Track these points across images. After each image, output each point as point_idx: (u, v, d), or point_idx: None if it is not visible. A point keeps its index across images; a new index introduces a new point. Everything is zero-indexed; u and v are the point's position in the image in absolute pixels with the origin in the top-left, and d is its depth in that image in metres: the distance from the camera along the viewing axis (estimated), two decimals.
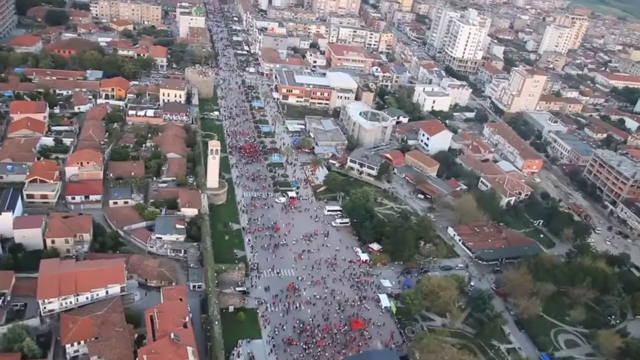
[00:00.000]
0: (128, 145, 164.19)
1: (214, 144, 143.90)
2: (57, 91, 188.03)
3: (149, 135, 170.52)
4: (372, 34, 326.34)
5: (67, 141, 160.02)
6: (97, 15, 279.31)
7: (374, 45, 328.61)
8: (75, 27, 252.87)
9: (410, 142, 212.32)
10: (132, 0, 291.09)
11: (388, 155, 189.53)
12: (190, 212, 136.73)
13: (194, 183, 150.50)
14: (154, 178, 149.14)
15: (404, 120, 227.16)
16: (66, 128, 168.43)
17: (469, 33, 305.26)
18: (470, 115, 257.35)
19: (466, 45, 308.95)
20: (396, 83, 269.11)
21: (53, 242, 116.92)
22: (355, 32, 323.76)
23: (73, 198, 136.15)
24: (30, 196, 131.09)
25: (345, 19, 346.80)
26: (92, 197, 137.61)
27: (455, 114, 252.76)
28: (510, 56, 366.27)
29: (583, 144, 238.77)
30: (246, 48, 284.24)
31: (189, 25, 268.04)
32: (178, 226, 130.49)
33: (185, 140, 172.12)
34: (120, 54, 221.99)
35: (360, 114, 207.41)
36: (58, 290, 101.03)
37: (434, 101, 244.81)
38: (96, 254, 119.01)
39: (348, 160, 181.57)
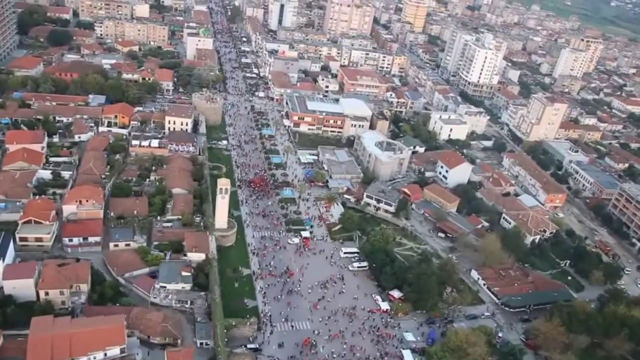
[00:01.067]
0: (131, 179, 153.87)
1: (223, 183, 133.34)
2: (57, 118, 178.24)
3: (153, 167, 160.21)
4: (384, 57, 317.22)
5: (66, 174, 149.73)
6: (101, 35, 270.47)
7: (387, 68, 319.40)
8: (78, 47, 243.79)
9: (427, 174, 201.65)
10: (138, 20, 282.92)
11: (406, 190, 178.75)
12: (197, 257, 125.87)
13: (201, 223, 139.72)
14: (158, 217, 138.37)
15: (420, 150, 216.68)
16: (65, 159, 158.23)
17: (485, 57, 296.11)
18: (488, 144, 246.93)
19: (482, 69, 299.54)
20: (411, 109, 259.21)
21: (47, 293, 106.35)
22: (367, 54, 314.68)
23: (70, 240, 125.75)
24: (23, 239, 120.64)
25: (357, 40, 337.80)
26: (91, 239, 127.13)
27: (472, 142, 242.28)
28: (525, 80, 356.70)
29: (606, 175, 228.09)
30: (255, 71, 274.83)
31: (197, 46, 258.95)
32: (184, 273, 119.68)
33: (192, 174, 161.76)
34: (125, 78, 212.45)
35: (375, 144, 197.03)
36: (50, 355, 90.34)
37: (450, 130, 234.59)
38: (94, 307, 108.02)
39: (364, 195, 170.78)
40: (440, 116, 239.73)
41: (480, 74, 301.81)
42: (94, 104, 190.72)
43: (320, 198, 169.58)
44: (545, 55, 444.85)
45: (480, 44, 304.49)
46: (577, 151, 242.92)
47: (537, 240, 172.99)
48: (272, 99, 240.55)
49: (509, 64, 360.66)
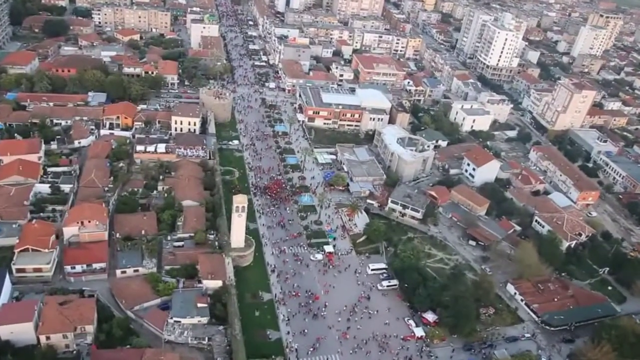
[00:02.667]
0: (137, 191, 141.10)
1: (239, 200, 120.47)
2: (55, 121, 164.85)
3: (161, 176, 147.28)
4: (398, 40, 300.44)
5: (66, 187, 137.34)
6: (100, 23, 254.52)
7: (401, 51, 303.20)
8: (76, 38, 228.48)
9: (452, 171, 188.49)
10: (138, 6, 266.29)
11: (433, 193, 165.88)
12: (213, 284, 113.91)
13: (216, 242, 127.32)
14: (169, 238, 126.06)
15: (443, 144, 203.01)
16: (65, 169, 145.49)
17: (505, 39, 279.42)
18: (512, 134, 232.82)
19: (502, 52, 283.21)
20: (429, 97, 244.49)
21: (48, 338, 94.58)
22: (380, 37, 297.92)
23: (73, 268, 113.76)
24: (20, 270, 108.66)
25: (369, 21, 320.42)
26: (96, 266, 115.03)
27: (495, 133, 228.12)
28: (543, 60, 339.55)
29: (638, 167, 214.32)
30: (264, 58, 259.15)
31: (202, 33, 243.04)
32: (199, 305, 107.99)
33: (203, 182, 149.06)
34: (126, 72, 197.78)
35: (397, 141, 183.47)
36: None
37: (473, 120, 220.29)
38: (102, 351, 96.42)
39: (389, 201, 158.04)
40: (462, 106, 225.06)
41: (500, 56, 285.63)
42: (94, 103, 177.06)
43: (342, 205, 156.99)
44: (561, 33, 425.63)
45: (499, 25, 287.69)
46: (605, 141, 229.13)
47: (572, 246, 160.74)
48: (284, 89, 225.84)
49: (527, 44, 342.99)
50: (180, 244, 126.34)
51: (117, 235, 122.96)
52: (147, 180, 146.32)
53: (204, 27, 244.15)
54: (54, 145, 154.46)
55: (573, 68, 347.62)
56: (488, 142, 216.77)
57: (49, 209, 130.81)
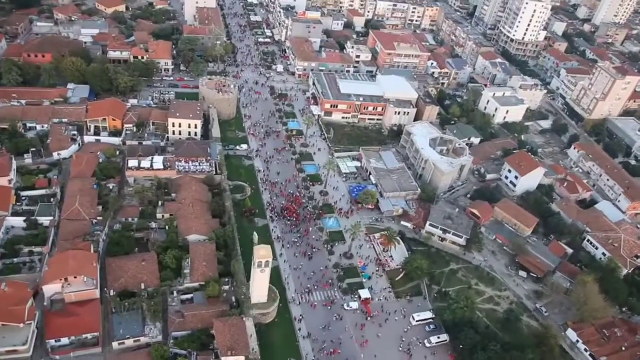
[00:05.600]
0: (132, 223, 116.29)
1: (262, 255, 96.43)
2: (28, 125, 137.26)
3: (159, 201, 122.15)
4: (415, 9, 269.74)
5: (45, 220, 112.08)
6: None
7: (417, 21, 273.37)
8: (51, 10, 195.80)
9: (488, 176, 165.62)
10: None
11: (475, 212, 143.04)
12: None
13: (232, 296, 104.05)
14: (174, 289, 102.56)
15: (476, 141, 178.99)
16: (43, 192, 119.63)
17: (534, 10, 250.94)
18: (546, 124, 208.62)
19: (529, 25, 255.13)
20: (454, 80, 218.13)
21: None
22: (395, 6, 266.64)
23: (58, 341, 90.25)
24: None
25: None
26: (87, 335, 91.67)
27: (528, 124, 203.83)
28: (565, 30, 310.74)
29: None
30: (268, 33, 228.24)
31: (197, 4, 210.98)
32: None
33: (210, 206, 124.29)
34: (112, 57, 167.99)
35: (429, 143, 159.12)
36: None
37: (507, 111, 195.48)
38: None
39: (427, 224, 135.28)
40: (494, 94, 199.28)
41: (527, 30, 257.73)
42: (75, 99, 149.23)
43: (374, 228, 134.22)
44: None
45: None
46: None
47: (630, 271, 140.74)
48: (293, 74, 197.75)
49: (553, 15, 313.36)
50: (189, 296, 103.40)
51: (111, 292, 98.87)
52: (144, 206, 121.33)
53: None
54: (28, 160, 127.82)
55: (597, 38, 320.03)
56: (522, 137, 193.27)
57: (24, 251, 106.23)
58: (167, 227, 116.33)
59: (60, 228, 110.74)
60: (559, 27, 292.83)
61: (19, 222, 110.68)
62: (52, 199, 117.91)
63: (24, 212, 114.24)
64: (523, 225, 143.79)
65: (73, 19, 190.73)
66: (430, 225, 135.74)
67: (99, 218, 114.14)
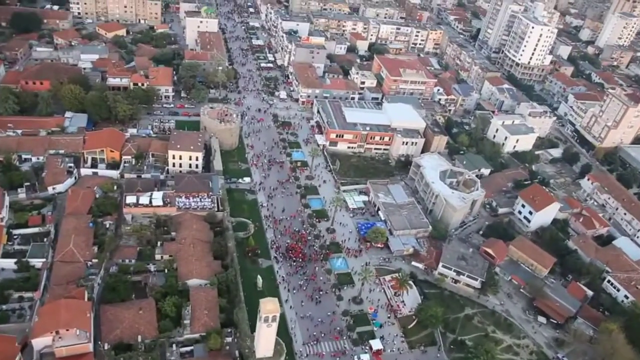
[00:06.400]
0: (129, 265, 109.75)
1: (269, 309, 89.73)
2: (23, 156, 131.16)
3: (158, 241, 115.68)
4: (418, 32, 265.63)
5: (37, 262, 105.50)
6: (79, 14, 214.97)
7: (420, 44, 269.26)
8: (51, 35, 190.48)
9: (500, 210, 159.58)
10: None
11: (490, 251, 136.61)
12: None
13: (236, 350, 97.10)
14: (173, 345, 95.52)
15: (485, 171, 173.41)
16: (36, 230, 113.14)
17: (540, 35, 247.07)
18: (556, 153, 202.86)
19: (535, 49, 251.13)
20: (461, 107, 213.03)
21: None
22: (398, 29, 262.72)
23: None
24: None
25: (383, 9, 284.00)
26: None
27: (538, 152, 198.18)
28: (569, 53, 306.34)
29: None
30: (270, 57, 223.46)
31: (198, 29, 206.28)
32: None
33: (211, 246, 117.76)
34: (111, 84, 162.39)
35: (439, 175, 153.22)
36: None
37: (517, 140, 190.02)
38: None
39: (439, 265, 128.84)
40: (503, 122, 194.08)
41: (533, 54, 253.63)
42: (72, 129, 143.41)
43: (384, 269, 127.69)
44: (579, 17, 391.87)
45: (531, 17, 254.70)
46: None
47: None
48: (297, 100, 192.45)
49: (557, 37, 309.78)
50: (189, 348, 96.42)
51: (106, 346, 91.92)
52: (142, 246, 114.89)
53: (201, 22, 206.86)
54: (21, 194, 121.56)
55: (601, 61, 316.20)
56: (533, 167, 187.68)
57: (14, 296, 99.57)
58: (166, 270, 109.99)
59: (53, 271, 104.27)
60: (564, 51, 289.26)
61: (9, 265, 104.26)
62: (45, 238, 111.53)
63: (15, 252, 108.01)
64: (540, 265, 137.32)
65: (73, 43, 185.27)
66: (443, 266, 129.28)
67: (94, 260, 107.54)
